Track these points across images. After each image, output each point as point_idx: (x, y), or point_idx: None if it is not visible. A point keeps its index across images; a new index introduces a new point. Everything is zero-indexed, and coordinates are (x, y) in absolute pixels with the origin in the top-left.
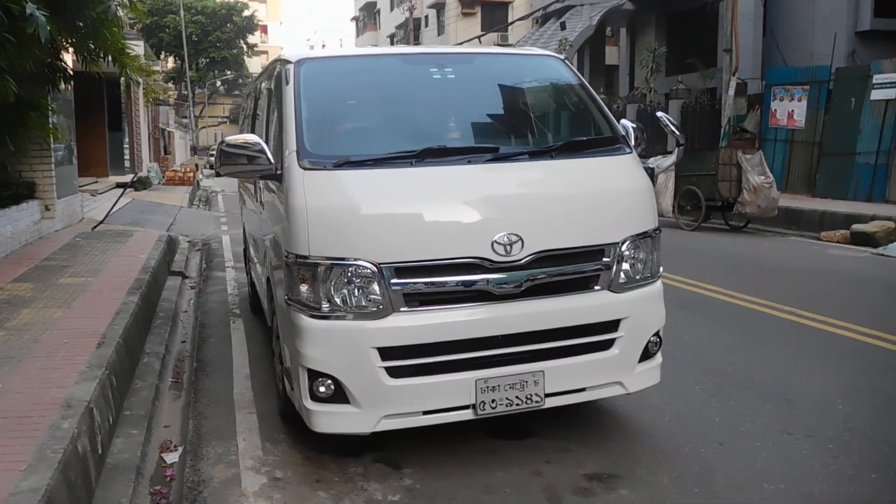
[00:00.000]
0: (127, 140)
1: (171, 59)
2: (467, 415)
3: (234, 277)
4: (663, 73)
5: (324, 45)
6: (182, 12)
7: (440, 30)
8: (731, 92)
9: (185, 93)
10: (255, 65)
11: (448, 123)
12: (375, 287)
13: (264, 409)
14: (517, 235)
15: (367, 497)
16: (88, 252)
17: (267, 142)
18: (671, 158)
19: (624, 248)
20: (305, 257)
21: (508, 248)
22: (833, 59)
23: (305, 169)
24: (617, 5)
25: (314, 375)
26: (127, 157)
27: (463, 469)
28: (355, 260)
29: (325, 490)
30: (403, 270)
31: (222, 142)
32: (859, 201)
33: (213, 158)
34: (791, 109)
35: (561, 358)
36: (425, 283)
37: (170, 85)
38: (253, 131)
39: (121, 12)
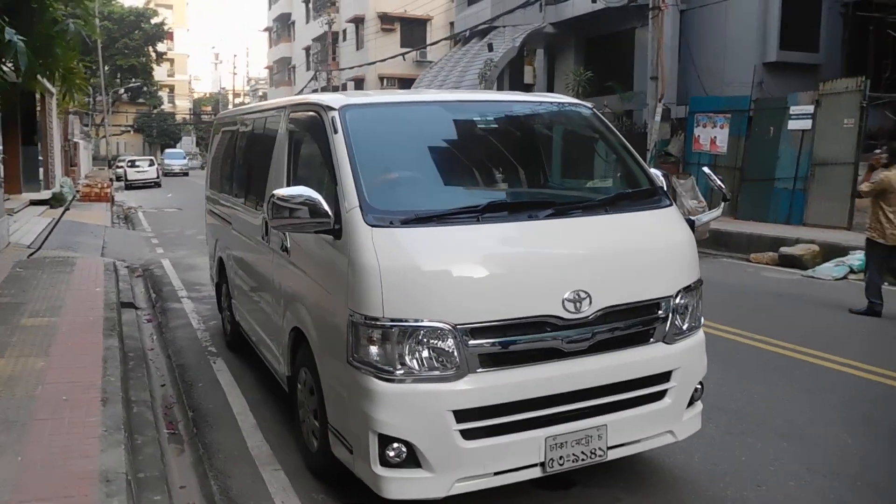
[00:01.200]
0: (41, 154)
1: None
2: (536, 472)
3: (193, 309)
4: (584, 96)
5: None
6: (96, 19)
7: (359, 44)
8: (658, 118)
9: (88, 100)
10: (160, 73)
11: (496, 174)
12: (452, 349)
13: (290, 466)
14: (585, 292)
15: None
16: (36, 285)
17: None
18: (715, 213)
19: (678, 300)
20: (376, 319)
21: (578, 304)
22: (752, 89)
23: (372, 226)
24: (538, 28)
25: (385, 440)
26: (41, 172)
27: None
28: (431, 322)
29: None
30: (478, 331)
31: (273, 195)
32: (779, 224)
33: (119, 169)
34: (714, 136)
35: (621, 411)
36: (500, 343)
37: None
38: (247, 173)
39: (72, 27)
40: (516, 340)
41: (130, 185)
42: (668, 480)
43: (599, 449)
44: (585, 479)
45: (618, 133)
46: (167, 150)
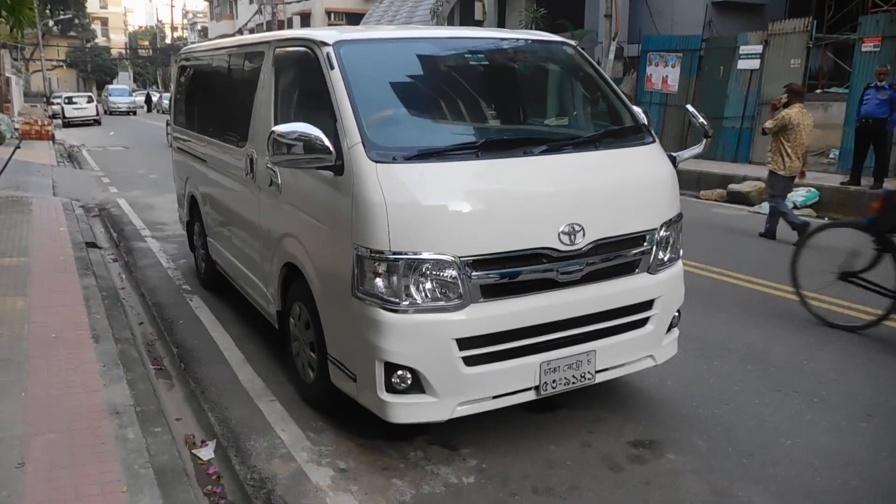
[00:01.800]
0: None
1: None
2: (531, 395)
3: (160, 248)
4: None
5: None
6: None
7: None
8: (612, 56)
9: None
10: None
11: (489, 111)
12: (456, 280)
13: (284, 397)
14: (579, 225)
15: (443, 481)
16: None
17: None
18: (696, 149)
19: (661, 233)
20: (382, 252)
21: (572, 237)
22: (703, 29)
23: (377, 162)
24: None
25: (391, 368)
26: None
27: (517, 446)
28: (436, 254)
29: (397, 478)
30: (480, 263)
31: (273, 131)
32: (727, 161)
33: (55, 106)
34: (665, 75)
35: (608, 337)
36: (500, 274)
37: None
38: (225, 110)
39: None
40: (515, 272)
41: (69, 123)
42: (644, 401)
43: (588, 373)
44: (569, 403)
45: (601, 70)
46: (111, 87)
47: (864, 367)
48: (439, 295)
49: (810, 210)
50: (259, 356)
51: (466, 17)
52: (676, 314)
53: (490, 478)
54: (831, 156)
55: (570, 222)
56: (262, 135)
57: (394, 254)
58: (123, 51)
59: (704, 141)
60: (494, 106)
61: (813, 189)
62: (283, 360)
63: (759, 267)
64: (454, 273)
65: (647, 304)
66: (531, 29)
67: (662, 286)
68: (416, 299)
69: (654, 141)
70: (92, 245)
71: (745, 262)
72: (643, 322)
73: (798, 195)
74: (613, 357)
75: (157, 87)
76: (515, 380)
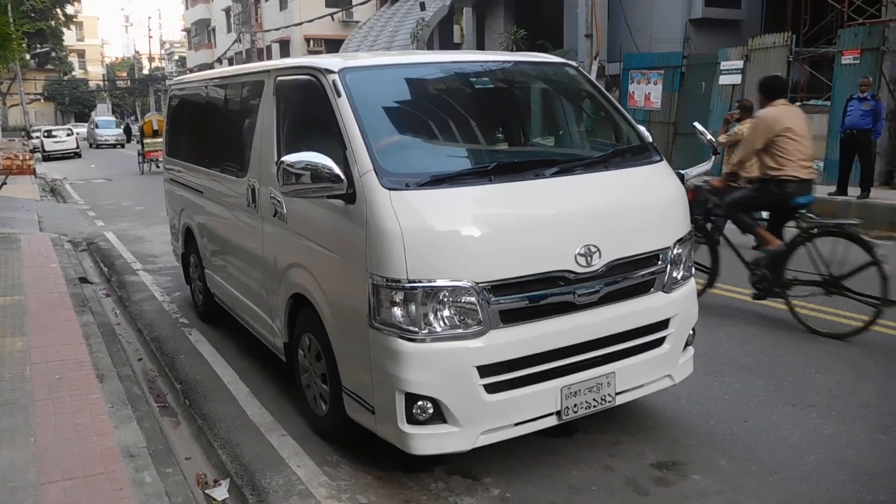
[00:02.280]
0: None
1: None
2: (552, 421)
3: (153, 282)
4: None
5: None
6: None
7: (282, 4)
8: (594, 75)
9: None
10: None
11: (496, 134)
12: (475, 306)
13: (295, 431)
14: (595, 247)
15: None
16: None
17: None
18: (704, 166)
19: (674, 251)
20: (399, 280)
21: (589, 259)
22: (683, 45)
23: (390, 189)
24: None
25: (412, 399)
26: None
27: (538, 472)
28: (455, 281)
29: None
30: (499, 288)
31: (282, 161)
32: (713, 176)
33: (35, 140)
34: (648, 92)
35: (627, 358)
36: (518, 299)
37: None
38: (223, 140)
39: None
40: (533, 296)
41: (49, 157)
42: (661, 421)
43: (609, 395)
44: (585, 426)
45: (603, 90)
46: (98, 118)
47: (875, 379)
48: (458, 322)
49: None
50: (265, 389)
51: (445, 40)
52: (691, 332)
53: None
54: (814, 167)
55: (585, 244)
56: (264, 164)
57: (411, 282)
58: (101, 82)
59: (713, 157)
60: (501, 128)
61: None
62: (291, 393)
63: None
64: (473, 299)
65: (664, 324)
66: (511, 50)
67: (677, 304)
68: (435, 327)
69: (661, 159)
70: (83, 280)
71: (740, 276)
72: (660, 342)
73: None
74: (633, 378)
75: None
76: (537, 405)
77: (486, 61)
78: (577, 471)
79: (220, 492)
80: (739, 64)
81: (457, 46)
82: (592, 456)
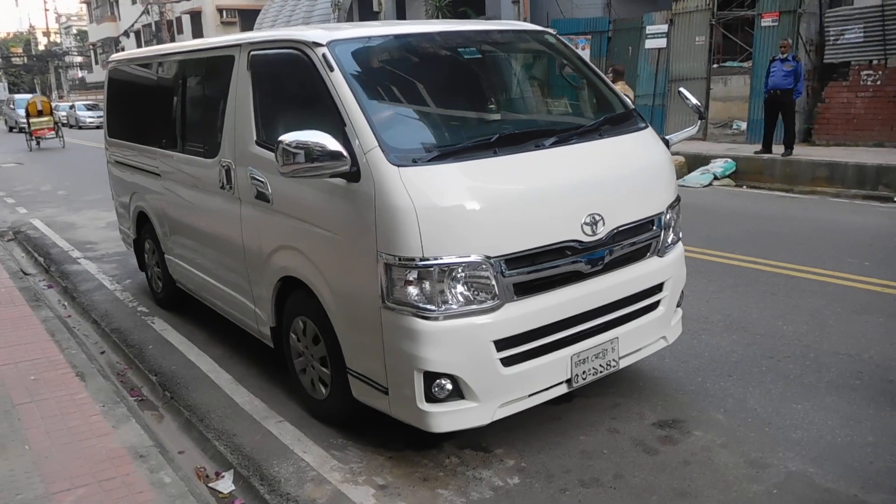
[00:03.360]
0: None
1: None
2: (563, 389)
3: (99, 270)
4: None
5: None
6: None
7: (196, 37)
8: None
9: None
10: None
11: (489, 104)
12: (491, 281)
13: (291, 416)
14: (599, 215)
15: (488, 485)
16: None
17: (218, 130)
18: (689, 131)
19: (667, 216)
20: (412, 259)
21: (594, 227)
22: (609, 10)
23: (398, 165)
24: None
25: (431, 377)
26: None
27: (548, 440)
28: (469, 257)
29: (442, 487)
30: (512, 261)
31: (281, 140)
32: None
33: None
34: None
35: (628, 323)
36: (531, 271)
37: None
38: (184, 120)
39: None
40: (545, 267)
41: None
42: (653, 381)
43: (613, 360)
44: (582, 392)
45: (583, 57)
46: (16, 97)
47: (836, 328)
48: (474, 297)
49: (729, 180)
50: (249, 376)
51: (365, 8)
52: (681, 294)
53: (533, 476)
54: (734, 127)
55: (590, 213)
56: (241, 144)
57: (426, 259)
58: None
59: (699, 122)
60: (493, 99)
61: (730, 160)
62: (278, 378)
63: (701, 238)
64: (488, 274)
65: (659, 287)
66: (437, 17)
67: (670, 268)
68: (451, 304)
69: (647, 126)
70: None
71: (695, 236)
72: (655, 305)
73: (716, 166)
74: (633, 342)
75: None
76: (549, 375)
77: (471, 31)
78: (584, 436)
79: (225, 484)
80: (664, 28)
81: (376, 15)
82: (596, 420)
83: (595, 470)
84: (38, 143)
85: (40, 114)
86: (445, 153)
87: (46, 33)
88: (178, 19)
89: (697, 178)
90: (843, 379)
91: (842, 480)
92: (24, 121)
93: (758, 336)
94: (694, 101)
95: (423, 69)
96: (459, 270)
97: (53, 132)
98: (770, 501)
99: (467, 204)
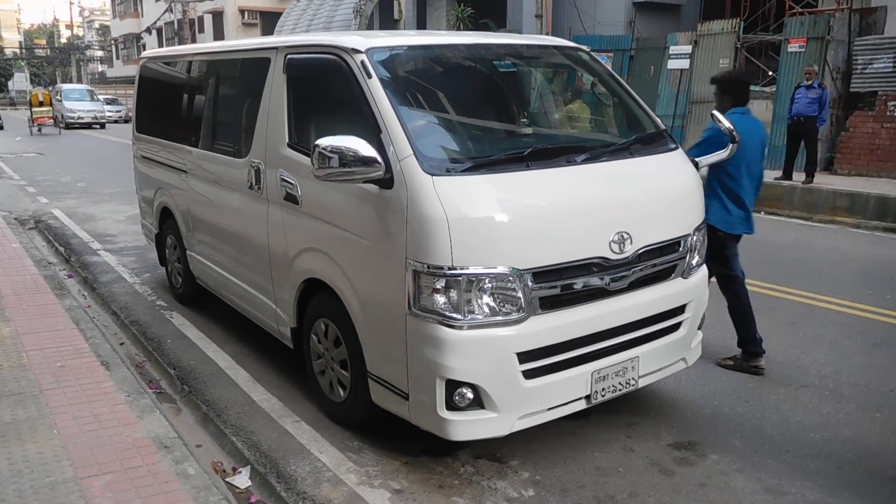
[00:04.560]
0: None
1: None
2: (581, 405)
3: (119, 262)
4: None
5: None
6: None
7: (217, 37)
8: None
9: None
10: None
11: (522, 118)
12: (517, 293)
13: (309, 417)
14: (627, 234)
15: (503, 496)
16: None
17: (249, 131)
18: (720, 154)
19: (693, 238)
20: (441, 268)
21: (622, 245)
22: (633, 29)
23: (432, 175)
24: None
25: (453, 385)
26: None
27: (562, 455)
28: (497, 268)
29: (457, 496)
30: (539, 275)
31: (317, 145)
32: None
33: None
34: None
35: (649, 342)
36: (557, 285)
37: None
38: (216, 119)
39: None
40: (572, 282)
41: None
42: (669, 403)
43: (633, 378)
44: (598, 409)
45: (616, 75)
46: (64, 87)
47: (856, 359)
48: (499, 309)
49: None
50: (267, 374)
51: (386, 16)
52: (702, 317)
53: (548, 489)
54: None
55: (618, 230)
56: (272, 146)
57: (454, 269)
58: (18, 50)
59: (730, 146)
60: (526, 113)
61: None
62: (295, 378)
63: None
64: (514, 286)
65: (682, 309)
66: (459, 29)
67: (694, 290)
68: (477, 314)
69: (676, 147)
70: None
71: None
72: (677, 326)
73: None
74: (653, 362)
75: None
76: (569, 390)
77: (507, 44)
78: (599, 452)
79: (242, 479)
80: (688, 49)
81: (396, 23)
82: (611, 438)
83: (610, 487)
84: (39, 130)
85: (41, 104)
86: (478, 164)
87: (70, 26)
88: (201, 18)
89: None
90: (863, 412)
91: None
92: (80, 116)
93: (775, 364)
94: (727, 124)
95: (458, 80)
96: (487, 281)
97: (52, 120)
98: None
99: (497, 216)
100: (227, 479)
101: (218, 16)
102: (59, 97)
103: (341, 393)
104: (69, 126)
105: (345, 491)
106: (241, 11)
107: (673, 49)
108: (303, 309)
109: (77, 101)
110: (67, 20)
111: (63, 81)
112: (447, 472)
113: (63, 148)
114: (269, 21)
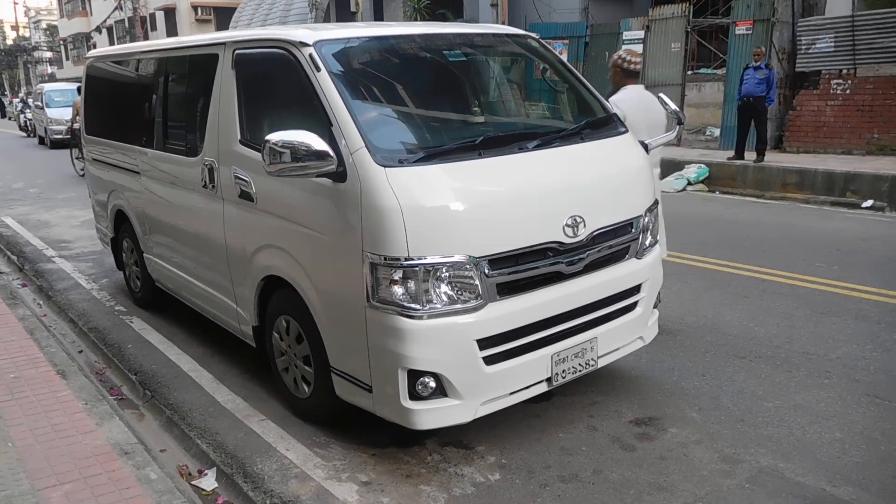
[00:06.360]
0: None
1: None
2: (543, 387)
3: (75, 269)
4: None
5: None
6: None
7: (170, 34)
8: None
9: None
10: None
11: (474, 106)
12: (475, 281)
13: (274, 415)
14: (581, 217)
15: (470, 481)
16: None
17: (200, 129)
18: (667, 136)
19: (645, 219)
20: (397, 259)
21: (575, 229)
22: (587, 15)
23: (385, 166)
24: None
25: (415, 375)
26: None
27: (528, 437)
28: (454, 257)
29: (424, 484)
30: (496, 261)
31: (268, 140)
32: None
33: None
34: None
35: (606, 323)
36: (514, 271)
37: None
38: (166, 118)
39: None
40: (528, 267)
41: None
42: (629, 380)
43: (592, 359)
44: (561, 390)
45: (565, 61)
46: (47, 87)
47: (807, 328)
48: (458, 297)
49: (702, 185)
50: (230, 374)
51: (342, 9)
52: (657, 296)
53: (514, 472)
54: (707, 133)
55: (572, 215)
56: (224, 143)
57: (411, 259)
58: None
59: (677, 128)
60: (477, 101)
61: (703, 165)
62: (259, 377)
63: (676, 242)
64: (472, 274)
65: (637, 289)
66: (415, 19)
67: (648, 270)
68: (435, 303)
69: (626, 130)
70: None
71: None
72: (633, 306)
73: (690, 171)
74: (611, 342)
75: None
76: (530, 374)
77: (456, 33)
78: (563, 433)
79: (208, 481)
80: (641, 34)
81: (353, 15)
82: (575, 418)
83: (574, 466)
84: None
85: None
86: (431, 154)
87: (15, 27)
88: (152, 16)
89: (672, 183)
90: (812, 378)
91: (811, 475)
92: (59, 128)
93: (730, 337)
94: (673, 106)
95: (409, 71)
96: (444, 270)
97: None
98: (743, 495)
99: (452, 205)
100: (193, 482)
101: (170, 12)
102: (38, 102)
103: (306, 389)
104: (54, 145)
105: (313, 486)
106: (194, 7)
107: (626, 34)
108: (264, 307)
109: (67, 107)
110: (12, 21)
111: (11, 85)
112: (414, 461)
113: (11, 150)
114: (223, 17)
